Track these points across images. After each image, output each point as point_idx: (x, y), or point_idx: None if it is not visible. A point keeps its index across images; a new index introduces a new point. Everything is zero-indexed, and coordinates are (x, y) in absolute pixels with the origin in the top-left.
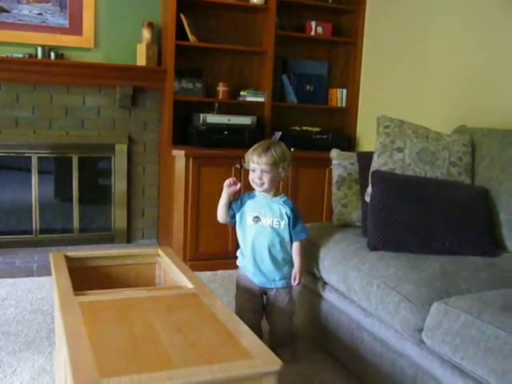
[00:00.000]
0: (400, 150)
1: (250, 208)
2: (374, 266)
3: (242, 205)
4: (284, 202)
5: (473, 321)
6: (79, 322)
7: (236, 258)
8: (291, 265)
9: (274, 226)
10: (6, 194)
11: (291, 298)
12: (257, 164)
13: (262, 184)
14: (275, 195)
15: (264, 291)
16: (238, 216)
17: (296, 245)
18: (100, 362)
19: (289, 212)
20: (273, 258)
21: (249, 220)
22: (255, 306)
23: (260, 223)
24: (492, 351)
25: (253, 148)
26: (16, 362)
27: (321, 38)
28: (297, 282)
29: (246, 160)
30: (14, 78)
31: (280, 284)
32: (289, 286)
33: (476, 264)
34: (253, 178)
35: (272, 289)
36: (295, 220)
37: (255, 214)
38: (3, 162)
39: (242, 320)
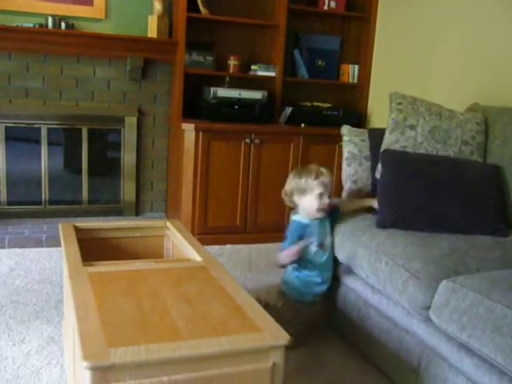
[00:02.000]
0: (412, 127)
1: (315, 234)
2: (382, 244)
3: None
4: (327, 219)
5: (481, 299)
6: (88, 292)
7: (244, 233)
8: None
9: (330, 243)
10: (15, 165)
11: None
12: (326, 187)
13: (324, 210)
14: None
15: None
16: None
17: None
18: (108, 332)
19: (329, 223)
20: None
21: (313, 249)
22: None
23: (324, 248)
24: (500, 330)
25: (300, 174)
26: (25, 331)
27: (334, 13)
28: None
29: (299, 189)
30: (24, 48)
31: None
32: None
33: (486, 243)
34: (321, 204)
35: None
36: (334, 215)
37: (318, 242)
38: (13, 132)
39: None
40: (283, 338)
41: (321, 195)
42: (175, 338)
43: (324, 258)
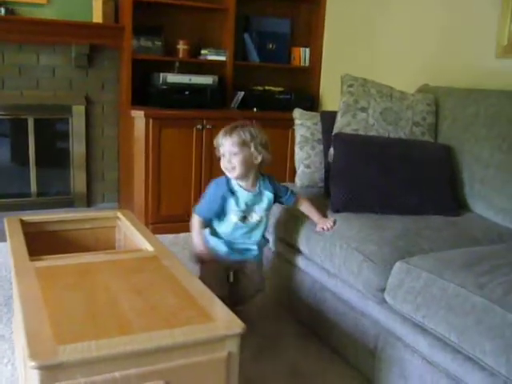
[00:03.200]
0: (363, 109)
1: (235, 206)
2: (336, 228)
3: (224, 203)
4: (266, 188)
5: (434, 279)
6: (35, 287)
7: None
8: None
9: (262, 220)
10: None
11: (261, 271)
12: (223, 146)
13: (234, 168)
14: (255, 183)
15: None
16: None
17: (300, 202)
18: (56, 329)
19: (271, 196)
20: (255, 242)
21: (233, 218)
22: (222, 281)
23: (247, 221)
24: (453, 309)
25: (221, 132)
26: None
27: None
28: (326, 227)
29: (216, 146)
30: None
31: (253, 255)
32: (261, 259)
33: (438, 223)
34: (223, 163)
35: (245, 260)
36: (280, 192)
37: (241, 214)
38: None
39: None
40: (238, 326)
41: (223, 155)
42: (126, 331)
43: (241, 232)
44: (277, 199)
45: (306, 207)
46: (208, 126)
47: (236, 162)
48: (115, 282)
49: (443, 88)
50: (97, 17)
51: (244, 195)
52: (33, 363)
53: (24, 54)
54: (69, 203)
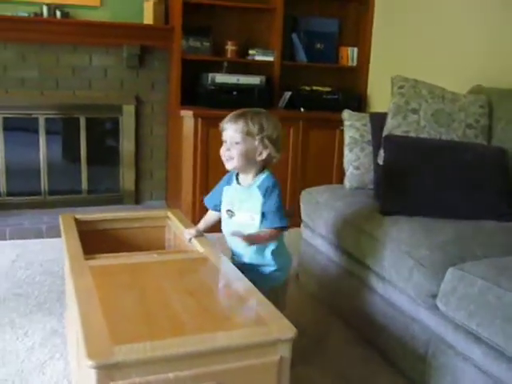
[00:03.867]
0: (415, 111)
1: (225, 197)
2: (387, 230)
3: (220, 192)
4: (259, 187)
5: (490, 287)
6: (90, 286)
7: None
8: (281, 257)
9: (249, 222)
10: (14, 156)
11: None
12: (226, 131)
13: (231, 158)
14: (253, 179)
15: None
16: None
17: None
18: (112, 329)
19: (260, 198)
20: (259, 260)
21: (223, 212)
22: None
23: (234, 218)
24: (510, 318)
25: (229, 115)
26: (27, 324)
27: None
28: (240, 237)
29: (221, 129)
30: (19, 38)
31: (266, 283)
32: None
33: (492, 228)
34: (222, 150)
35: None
36: (268, 206)
37: (228, 207)
38: (11, 122)
39: None
40: (290, 331)
41: (225, 141)
42: (180, 332)
43: (229, 230)
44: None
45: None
46: None
47: (235, 152)
48: (167, 282)
49: (496, 89)
50: (148, 18)
51: (233, 188)
52: (90, 362)
53: (77, 55)
54: (118, 200)
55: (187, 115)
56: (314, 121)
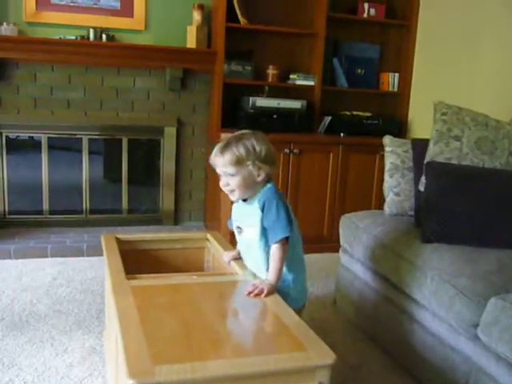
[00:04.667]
0: (457, 138)
1: (234, 214)
2: (427, 258)
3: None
4: (259, 202)
5: None
6: (132, 306)
7: None
8: (292, 277)
9: (254, 237)
10: (57, 174)
11: None
12: (217, 167)
13: (232, 191)
14: (253, 197)
15: None
16: None
17: (272, 249)
18: (152, 349)
19: (260, 213)
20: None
21: (234, 230)
22: None
23: (243, 234)
24: None
25: (215, 148)
26: (67, 341)
27: (373, 20)
28: (251, 292)
29: (211, 164)
30: (66, 60)
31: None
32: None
33: None
34: (221, 185)
35: None
36: (270, 220)
37: (237, 224)
38: (55, 142)
39: None
40: (329, 357)
41: (220, 175)
42: (220, 355)
43: (241, 247)
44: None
45: (271, 256)
46: (295, 151)
47: (234, 184)
48: (207, 304)
49: None
50: (191, 42)
51: (239, 205)
52: (131, 382)
53: (121, 77)
54: (157, 221)
55: None
56: (353, 146)
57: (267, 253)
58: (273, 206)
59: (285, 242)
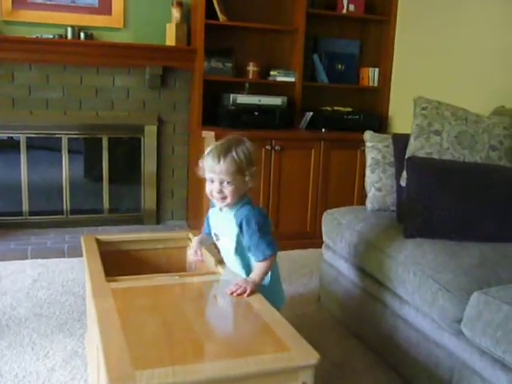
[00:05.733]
0: (437, 132)
1: (211, 219)
2: (410, 254)
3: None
4: (235, 216)
5: None
6: (112, 309)
7: None
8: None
9: (227, 245)
10: (36, 175)
11: None
12: (214, 173)
13: (224, 198)
14: (232, 206)
15: None
16: None
17: (258, 264)
18: (133, 353)
19: (235, 227)
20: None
21: (213, 235)
22: None
23: (220, 241)
24: None
25: (207, 150)
26: (48, 345)
27: (353, 16)
28: (234, 292)
29: (201, 166)
30: (44, 59)
31: None
32: None
33: None
34: (210, 190)
35: None
36: (248, 237)
37: (214, 231)
38: (34, 142)
39: None
40: (313, 357)
41: (212, 181)
42: (202, 358)
43: (221, 249)
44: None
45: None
46: (277, 147)
47: (228, 192)
48: (189, 305)
49: None
50: (170, 40)
51: (215, 213)
52: None
53: (101, 76)
54: (139, 220)
55: (208, 136)
56: (335, 141)
57: (245, 263)
58: (252, 225)
59: (270, 258)
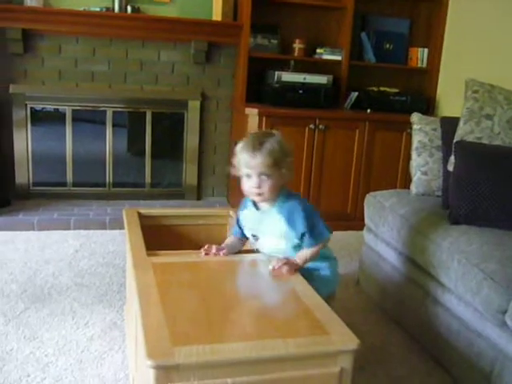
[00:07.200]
0: (489, 117)
1: (245, 222)
2: (455, 241)
3: (237, 219)
4: (280, 211)
5: None
6: (152, 284)
7: None
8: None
9: (274, 246)
10: (81, 147)
11: None
12: (251, 167)
13: (261, 194)
14: (272, 203)
15: None
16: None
17: (309, 248)
18: (172, 329)
19: (283, 221)
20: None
21: (249, 237)
22: None
23: (260, 241)
24: None
25: (241, 145)
26: (88, 315)
27: None
28: (276, 266)
29: (237, 164)
30: (90, 32)
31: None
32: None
33: None
34: (248, 186)
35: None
36: (301, 225)
37: (252, 232)
38: (79, 115)
39: None
40: (352, 341)
41: (248, 176)
42: (240, 337)
43: (261, 248)
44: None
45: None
46: (321, 126)
47: (266, 187)
48: (229, 284)
49: None
50: (216, 15)
51: (251, 213)
52: (149, 362)
53: (146, 50)
54: (180, 195)
55: (252, 113)
56: (380, 122)
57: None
58: (299, 217)
59: (322, 243)
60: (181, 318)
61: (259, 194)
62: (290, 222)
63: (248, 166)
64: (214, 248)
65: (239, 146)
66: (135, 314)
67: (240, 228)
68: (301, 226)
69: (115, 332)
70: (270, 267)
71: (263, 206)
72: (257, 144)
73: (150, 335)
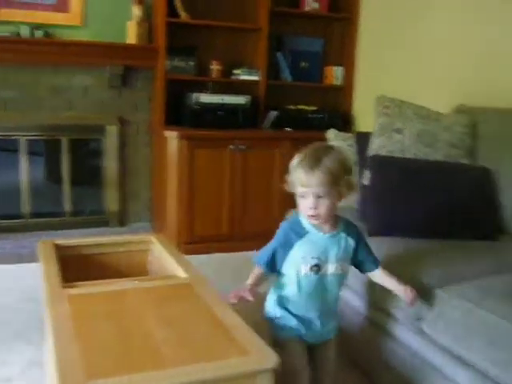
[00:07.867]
0: (399, 131)
1: (304, 252)
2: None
3: (289, 249)
4: (348, 233)
5: (473, 310)
6: (67, 316)
7: (232, 240)
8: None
9: (339, 272)
10: None
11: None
12: (307, 186)
13: (317, 215)
14: (335, 225)
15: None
16: (283, 265)
17: (378, 272)
18: (88, 362)
19: (353, 244)
20: (333, 311)
21: (304, 269)
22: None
23: (321, 273)
24: (494, 342)
25: (297, 161)
26: (6, 353)
27: (316, 14)
28: (412, 298)
29: (290, 180)
30: None
31: (333, 333)
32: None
33: (477, 248)
34: (304, 206)
35: (326, 340)
36: (365, 248)
37: (314, 262)
38: None
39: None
40: (270, 360)
41: (303, 197)
42: (159, 365)
43: (312, 285)
44: (354, 259)
45: (383, 276)
46: (241, 147)
47: (324, 208)
48: (148, 310)
49: (481, 108)
50: (131, 38)
51: (316, 238)
52: None
53: (59, 75)
54: (103, 222)
55: (172, 136)
56: (299, 140)
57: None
58: (362, 235)
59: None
60: (97, 349)
61: (315, 215)
62: (360, 245)
63: (304, 184)
64: (247, 293)
65: (295, 162)
66: (50, 349)
67: (274, 261)
68: (367, 249)
69: (35, 370)
70: (408, 301)
71: (325, 228)
72: (314, 160)
73: (64, 369)
